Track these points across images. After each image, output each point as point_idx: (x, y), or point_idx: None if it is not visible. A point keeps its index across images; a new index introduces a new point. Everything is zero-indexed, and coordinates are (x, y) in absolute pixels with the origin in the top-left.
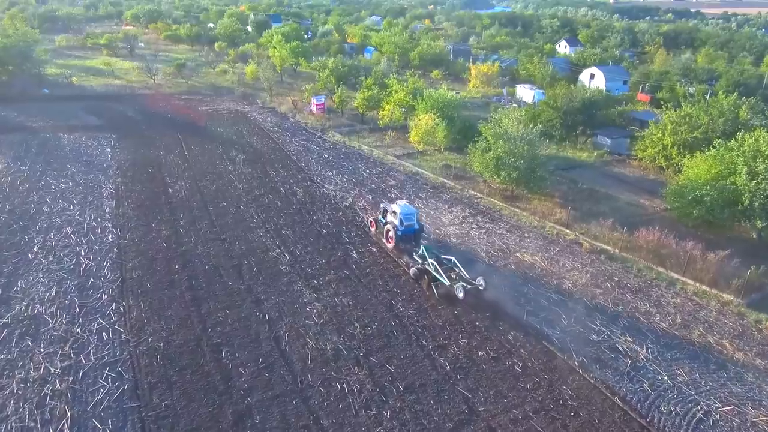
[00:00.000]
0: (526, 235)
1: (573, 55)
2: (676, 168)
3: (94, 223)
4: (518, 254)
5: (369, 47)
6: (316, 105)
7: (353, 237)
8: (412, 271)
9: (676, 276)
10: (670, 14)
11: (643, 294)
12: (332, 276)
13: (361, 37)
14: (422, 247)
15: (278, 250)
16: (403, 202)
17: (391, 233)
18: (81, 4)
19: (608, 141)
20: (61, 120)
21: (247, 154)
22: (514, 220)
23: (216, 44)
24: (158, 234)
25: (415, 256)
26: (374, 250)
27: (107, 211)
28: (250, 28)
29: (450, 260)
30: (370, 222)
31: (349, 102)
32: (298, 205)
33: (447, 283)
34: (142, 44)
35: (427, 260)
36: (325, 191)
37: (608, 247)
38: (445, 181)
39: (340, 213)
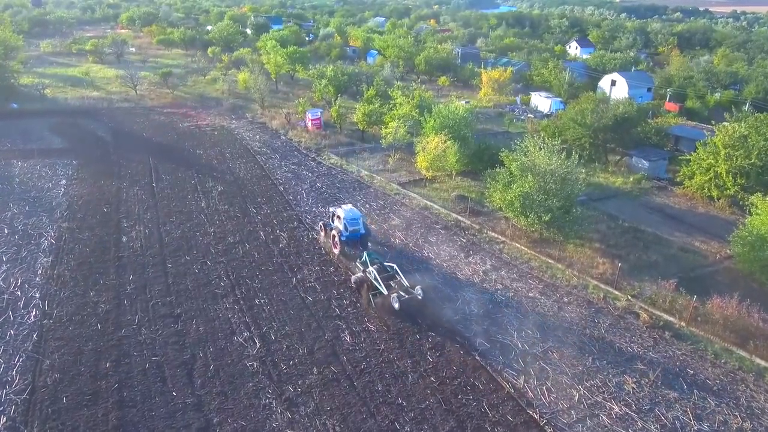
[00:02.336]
0: (566, 299)
1: (586, 57)
2: (730, 200)
3: (18, 292)
4: (558, 332)
5: (372, 51)
6: (312, 120)
7: (346, 307)
8: (353, 279)
9: (764, 364)
10: (678, 13)
11: (727, 395)
12: (315, 378)
13: (364, 40)
14: (365, 253)
15: (246, 333)
16: (349, 206)
17: (336, 238)
18: (78, 7)
19: (645, 164)
20: (19, 142)
21: (226, 185)
22: (547, 276)
23: (209, 49)
24: (94, 309)
25: (357, 263)
26: (372, 328)
27: (40, 272)
28: (249, 31)
29: (392, 267)
30: (321, 226)
31: (348, 115)
32: (279, 258)
33: (385, 292)
34: (133, 49)
35: (368, 268)
36: (315, 236)
37: (672, 319)
38: (460, 218)
39: (331, 269)
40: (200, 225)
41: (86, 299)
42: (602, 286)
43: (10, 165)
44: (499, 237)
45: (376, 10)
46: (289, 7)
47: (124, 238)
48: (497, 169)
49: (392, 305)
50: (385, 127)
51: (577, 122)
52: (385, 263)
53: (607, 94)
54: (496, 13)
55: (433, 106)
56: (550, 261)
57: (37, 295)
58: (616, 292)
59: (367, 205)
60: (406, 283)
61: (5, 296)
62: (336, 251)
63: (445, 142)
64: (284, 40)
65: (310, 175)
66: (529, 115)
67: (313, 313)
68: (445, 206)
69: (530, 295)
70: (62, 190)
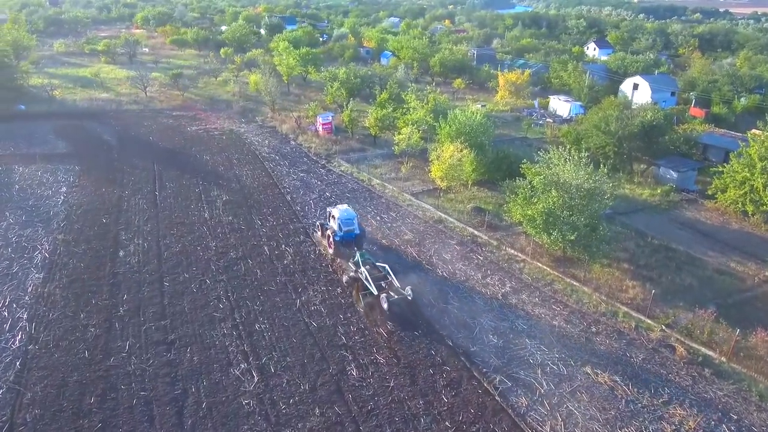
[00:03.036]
0: (594, 329)
1: (605, 58)
2: (766, 216)
3: (5, 313)
4: (587, 368)
5: (386, 52)
6: (322, 125)
7: (353, 335)
8: (344, 278)
9: None
10: (698, 14)
11: None
12: (317, 420)
13: (378, 41)
14: (358, 253)
15: (244, 365)
16: (344, 206)
17: (331, 238)
18: (94, 7)
19: (674, 175)
20: (23, 146)
21: (231, 194)
22: (572, 301)
23: (222, 50)
24: (83, 333)
25: (350, 263)
26: (381, 360)
27: (30, 289)
28: (263, 31)
29: (384, 267)
30: (318, 226)
31: (360, 119)
32: (283, 276)
33: (375, 292)
34: (146, 49)
35: (360, 268)
36: (322, 251)
37: (712, 354)
38: (476, 233)
39: (338, 290)
40: (202, 238)
41: (76, 322)
42: (633, 313)
43: (10, 170)
44: (519, 255)
45: (390, 11)
46: (304, 7)
47: (122, 253)
48: (517, 181)
49: (381, 305)
50: (398, 133)
51: (601, 129)
52: (378, 263)
53: (629, 98)
54: (512, 14)
55: (448, 111)
56: (575, 283)
57: (25, 316)
58: (649, 321)
59: (378, 218)
60: (397, 283)
61: None
62: (331, 251)
63: (461, 150)
64: (297, 41)
65: (319, 183)
66: (548, 120)
67: (318, 342)
68: (461, 219)
69: (554, 323)
70: (62, 198)
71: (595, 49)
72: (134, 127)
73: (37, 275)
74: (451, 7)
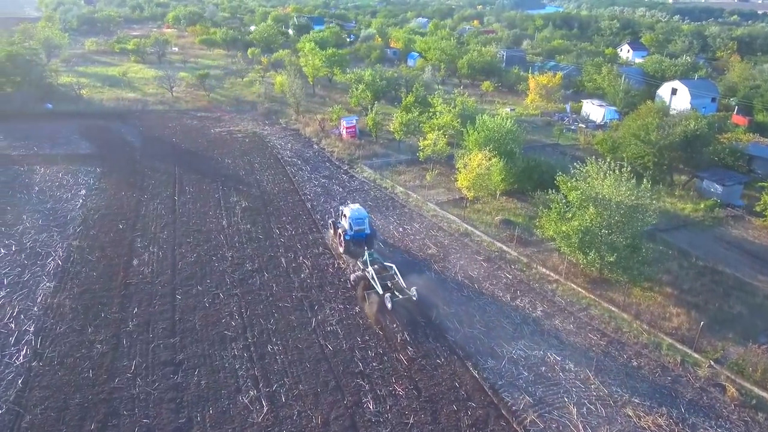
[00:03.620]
0: (635, 362)
1: (639, 61)
2: None
3: (12, 325)
4: (628, 410)
5: (413, 53)
6: (346, 128)
7: (371, 361)
8: (352, 277)
9: None
10: (735, 16)
11: None
12: None
13: (405, 42)
14: (366, 253)
15: (253, 392)
16: (356, 205)
17: (341, 237)
18: (128, 6)
19: (718, 189)
20: (47, 146)
21: (251, 200)
22: (611, 329)
23: (249, 50)
24: (89, 350)
25: (358, 262)
26: (400, 392)
27: (39, 299)
28: (291, 32)
29: (391, 267)
30: (330, 224)
31: (385, 123)
32: (300, 292)
33: (380, 291)
34: (176, 48)
35: (368, 267)
36: (342, 264)
37: (766, 395)
38: (505, 248)
39: (356, 309)
40: (218, 247)
41: (83, 337)
42: (678, 345)
43: (32, 171)
44: (552, 274)
45: (418, 11)
46: (332, 8)
47: (135, 261)
48: (550, 194)
49: (385, 304)
50: (424, 138)
51: (640, 138)
52: (386, 263)
53: (667, 104)
54: (542, 14)
55: (477, 116)
56: (613, 309)
57: (32, 329)
58: (696, 356)
59: (401, 229)
60: (403, 284)
61: None
62: (341, 249)
63: (490, 159)
64: (324, 42)
65: (340, 190)
66: (580, 125)
67: (333, 368)
68: (488, 233)
69: (591, 354)
70: (80, 201)
71: (629, 51)
72: (158, 128)
73: (48, 284)
74: (479, 7)
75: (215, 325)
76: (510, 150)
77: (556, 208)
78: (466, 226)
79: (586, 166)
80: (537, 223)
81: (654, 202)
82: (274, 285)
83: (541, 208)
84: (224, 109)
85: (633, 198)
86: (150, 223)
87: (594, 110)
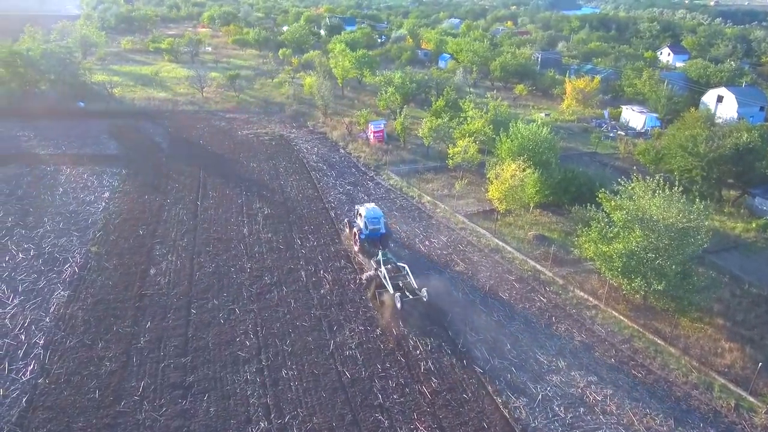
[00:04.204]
0: (684, 405)
1: (680, 65)
2: None
3: (22, 336)
4: None
5: (444, 54)
6: (374, 132)
7: (391, 393)
8: (364, 276)
9: None
10: None
11: None
12: None
13: (437, 43)
14: (380, 253)
15: (264, 424)
16: (371, 205)
17: (356, 236)
18: (165, 5)
19: None
20: (75, 146)
21: (273, 207)
22: (656, 365)
23: (281, 51)
24: (98, 367)
25: (372, 261)
26: (422, 429)
27: (52, 309)
28: (323, 32)
29: (403, 267)
30: (346, 223)
31: (413, 127)
32: (319, 310)
33: (391, 291)
34: (209, 48)
35: (381, 267)
36: (364, 281)
37: None
38: (539, 267)
39: (377, 331)
40: (237, 257)
41: (92, 352)
42: (731, 387)
43: (58, 172)
44: (590, 299)
45: (451, 11)
46: (365, 8)
47: (152, 271)
48: (590, 210)
49: (395, 304)
50: (453, 145)
51: (687, 150)
52: (398, 264)
53: (712, 112)
54: (579, 15)
55: (510, 122)
56: (658, 342)
57: (42, 341)
58: (752, 400)
59: (427, 242)
60: (414, 285)
61: (7, 340)
62: (356, 248)
63: (524, 170)
64: (354, 43)
65: (365, 198)
66: (619, 132)
67: (350, 399)
68: (521, 249)
69: (636, 395)
70: (103, 204)
71: (669, 55)
72: (187, 129)
73: (62, 292)
74: (513, 7)
75: (229, 345)
76: (545, 160)
77: (596, 226)
78: (496, 241)
79: (632, 182)
80: (575, 242)
81: (707, 223)
82: (292, 301)
83: (580, 226)
84: (252, 111)
85: (685, 220)
86: (170, 230)
87: (634, 117)
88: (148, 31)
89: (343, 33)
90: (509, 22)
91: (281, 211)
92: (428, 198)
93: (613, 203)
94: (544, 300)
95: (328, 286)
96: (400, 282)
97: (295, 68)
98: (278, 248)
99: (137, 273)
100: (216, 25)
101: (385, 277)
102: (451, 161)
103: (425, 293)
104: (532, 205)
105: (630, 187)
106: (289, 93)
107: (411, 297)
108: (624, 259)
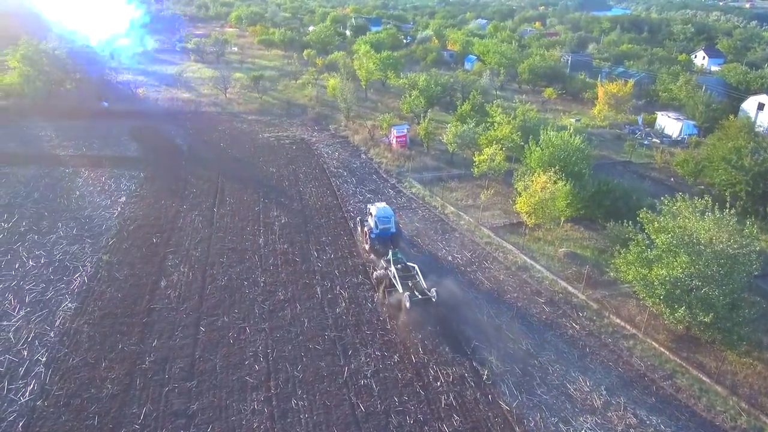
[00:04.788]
0: None
1: (716, 69)
2: None
3: (25, 352)
4: None
5: (471, 56)
6: (397, 137)
7: (409, 430)
8: (374, 274)
9: None
10: None
11: None
12: None
13: (463, 44)
14: (390, 252)
15: None
16: (382, 204)
17: (367, 235)
18: (194, 5)
19: None
20: (95, 147)
21: (291, 215)
22: (701, 406)
23: (305, 51)
24: (99, 390)
25: (382, 261)
26: None
27: (58, 323)
28: (348, 32)
29: (413, 267)
30: (358, 222)
31: (438, 132)
32: (333, 332)
33: (400, 290)
34: (235, 48)
35: (391, 266)
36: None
37: None
38: (571, 289)
39: (395, 357)
40: (251, 270)
41: (95, 372)
42: None
43: (76, 174)
44: (627, 327)
45: (478, 12)
46: (391, 8)
47: (163, 283)
48: (628, 228)
49: (404, 304)
50: (479, 153)
51: (731, 163)
52: (408, 264)
53: (753, 120)
54: (609, 16)
55: (540, 129)
56: (703, 378)
57: (44, 359)
58: None
59: (450, 258)
60: (423, 285)
61: (9, 356)
62: (367, 247)
63: (555, 182)
64: (379, 44)
65: None
66: (654, 140)
67: None
68: (551, 268)
69: None
70: (118, 209)
71: (704, 58)
72: (208, 131)
73: (69, 305)
74: (542, 8)
75: (237, 368)
76: (578, 171)
77: (636, 248)
78: (524, 258)
79: (677, 201)
80: (611, 263)
81: (756, 248)
82: (306, 320)
83: (618, 247)
84: (275, 113)
85: (736, 245)
86: (185, 238)
87: (670, 124)
88: (176, 31)
89: (368, 34)
90: (537, 23)
91: (299, 220)
92: (452, 208)
93: (656, 225)
94: (577, 327)
95: (344, 304)
96: (409, 282)
97: (319, 69)
98: (294, 260)
99: (147, 285)
100: (243, 25)
101: (394, 276)
102: (476, 169)
103: (434, 293)
104: (563, 219)
105: (675, 207)
106: (312, 95)
107: (420, 297)
108: (668, 287)
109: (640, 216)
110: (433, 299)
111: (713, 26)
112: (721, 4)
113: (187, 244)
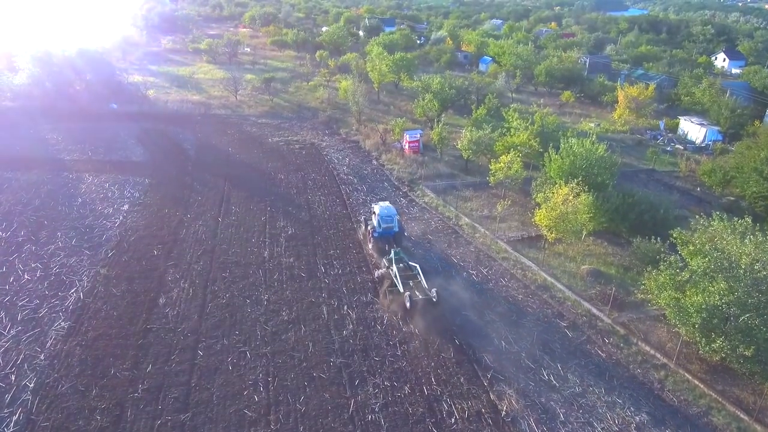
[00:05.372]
0: None
1: (736, 71)
2: None
3: (12, 377)
4: None
5: (486, 57)
6: (409, 143)
7: None
8: (376, 273)
9: None
10: None
11: None
12: None
13: (478, 45)
14: (392, 251)
15: None
16: (386, 203)
17: (370, 234)
18: (209, 5)
19: None
20: (101, 151)
21: (298, 226)
22: None
23: (318, 53)
24: (87, 422)
25: (384, 260)
26: None
27: (49, 344)
28: (361, 33)
29: (415, 267)
30: (363, 220)
31: (452, 137)
32: (339, 357)
33: (401, 290)
34: (248, 49)
35: (392, 266)
36: (392, 321)
37: None
38: (595, 311)
39: (406, 388)
40: (254, 287)
41: (84, 402)
42: None
43: (80, 180)
44: (658, 356)
45: (492, 12)
46: (405, 8)
47: (162, 300)
48: (656, 245)
49: (404, 303)
50: (495, 161)
51: (763, 175)
52: (410, 263)
53: None
54: (626, 16)
55: (560, 135)
56: (741, 416)
57: (32, 384)
58: None
59: (465, 273)
60: (425, 284)
61: None
62: (370, 246)
63: (578, 194)
64: (392, 45)
65: (396, 218)
66: (677, 146)
67: None
68: (573, 287)
69: None
70: (120, 218)
71: (725, 60)
72: (216, 134)
73: (63, 323)
74: (558, 8)
75: (235, 399)
76: (602, 181)
77: (667, 270)
78: (544, 275)
79: (714, 220)
80: (640, 283)
81: None
82: (310, 344)
83: (649, 269)
84: (285, 116)
85: None
86: (187, 250)
87: (693, 129)
88: (189, 31)
89: (381, 34)
90: (553, 24)
91: (306, 232)
92: (466, 220)
93: (691, 247)
94: (603, 354)
95: (351, 326)
96: (410, 282)
97: (331, 71)
98: (300, 276)
99: (145, 302)
100: (256, 25)
101: (395, 276)
102: (492, 178)
103: (435, 294)
104: (585, 232)
105: (711, 227)
106: (323, 97)
107: (421, 297)
108: (704, 315)
109: (674, 236)
110: (434, 299)
111: (733, 28)
112: (740, 5)
113: (188, 257)
